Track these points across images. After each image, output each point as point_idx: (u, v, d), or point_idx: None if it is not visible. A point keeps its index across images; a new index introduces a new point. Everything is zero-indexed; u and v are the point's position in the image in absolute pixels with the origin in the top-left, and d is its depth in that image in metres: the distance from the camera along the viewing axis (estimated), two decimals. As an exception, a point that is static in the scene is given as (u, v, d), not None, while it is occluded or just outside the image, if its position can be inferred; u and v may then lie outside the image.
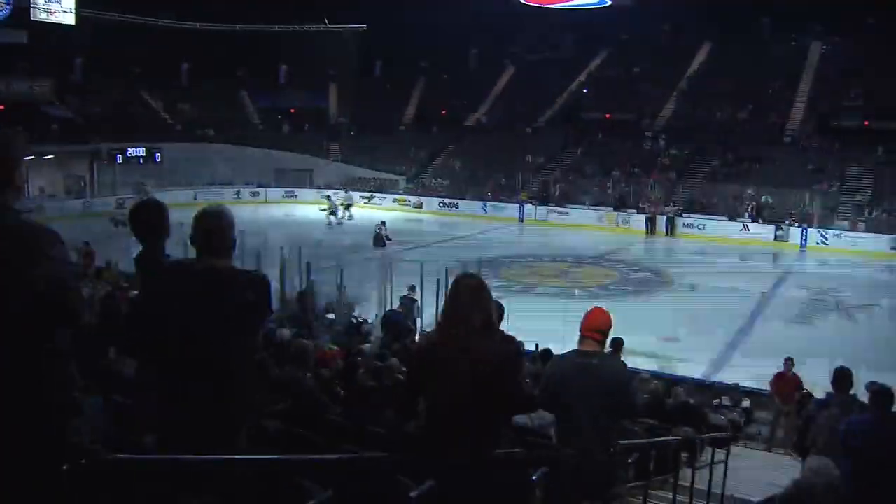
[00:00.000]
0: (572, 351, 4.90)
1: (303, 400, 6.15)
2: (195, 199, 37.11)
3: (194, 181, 42.26)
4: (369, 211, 40.24)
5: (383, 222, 31.31)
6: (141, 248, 3.81)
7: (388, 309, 16.47)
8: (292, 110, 53.94)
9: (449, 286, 3.99)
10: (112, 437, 3.40)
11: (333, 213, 37.74)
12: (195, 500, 2.98)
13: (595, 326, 4.80)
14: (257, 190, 44.46)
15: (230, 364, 3.30)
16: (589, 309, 4.95)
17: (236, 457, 3.27)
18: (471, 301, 3.75)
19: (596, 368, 4.69)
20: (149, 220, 3.86)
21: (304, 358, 6.80)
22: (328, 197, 39.25)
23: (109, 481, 2.76)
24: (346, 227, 36.42)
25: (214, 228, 3.44)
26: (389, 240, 30.18)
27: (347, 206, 38.68)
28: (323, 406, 6.34)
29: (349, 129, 52.23)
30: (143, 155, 43.34)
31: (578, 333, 4.86)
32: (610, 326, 4.87)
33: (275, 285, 16.56)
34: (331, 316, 17.29)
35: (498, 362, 3.68)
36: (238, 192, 43.09)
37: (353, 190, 42.57)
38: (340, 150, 49.86)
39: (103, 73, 48.36)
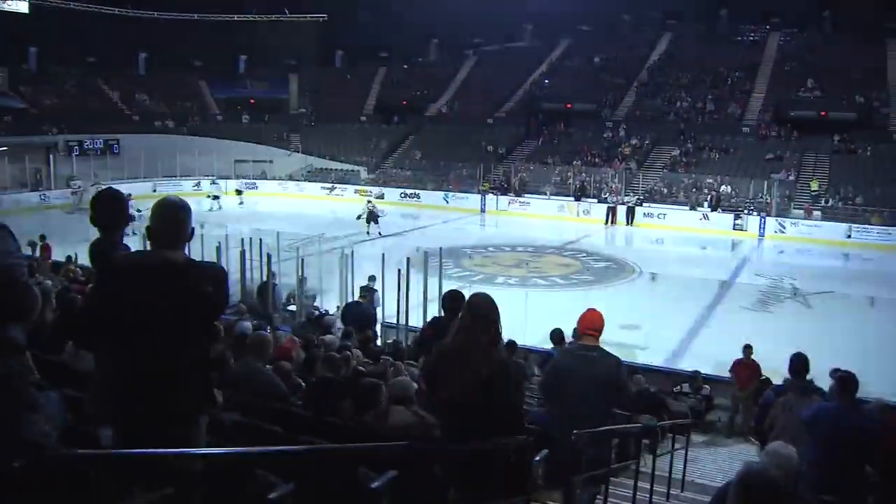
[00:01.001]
0: (576, 344, 5.89)
1: (262, 392, 6.11)
2: (154, 191, 36.94)
3: (153, 173, 41.85)
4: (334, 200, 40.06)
5: (369, 201, 31.57)
6: (97, 237, 3.76)
7: (349, 300, 16.34)
8: (252, 101, 53.64)
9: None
10: (70, 433, 3.35)
11: (216, 197, 38.16)
12: (153, 495, 2.94)
13: (591, 326, 5.70)
14: (217, 181, 43.98)
15: (187, 356, 3.26)
16: (584, 311, 5.79)
17: (195, 450, 3.24)
18: (481, 315, 4.34)
19: (595, 360, 5.52)
20: (106, 210, 3.80)
21: (264, 350, 6.74)
22: (213, 182, 40.36)
23: (65, 476, 2.72)
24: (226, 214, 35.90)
25: (172, 220, 3.40)
26: (383, 214, 30.82)
27: (216, 197, 39.01)
28: (282, 398, 6.30)
29: (309, 120, 51.94)
30: (101, 147, 42.82)
31: (576, 331, 5.85)
32: (603, 324, 5.71)
33: (235, 277, 16.43)
34: (292, 307, 17.14)
35: (499, 368, 4.26)
36: (198, 184, 42.66)
37: (314, 180, 42.69)
38: (301, 140, 49.49)
39: (58, 62, 47.63)
